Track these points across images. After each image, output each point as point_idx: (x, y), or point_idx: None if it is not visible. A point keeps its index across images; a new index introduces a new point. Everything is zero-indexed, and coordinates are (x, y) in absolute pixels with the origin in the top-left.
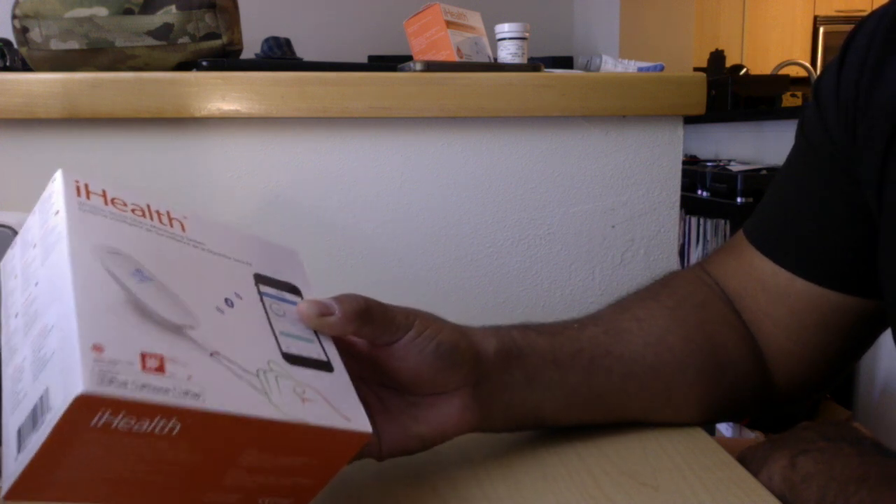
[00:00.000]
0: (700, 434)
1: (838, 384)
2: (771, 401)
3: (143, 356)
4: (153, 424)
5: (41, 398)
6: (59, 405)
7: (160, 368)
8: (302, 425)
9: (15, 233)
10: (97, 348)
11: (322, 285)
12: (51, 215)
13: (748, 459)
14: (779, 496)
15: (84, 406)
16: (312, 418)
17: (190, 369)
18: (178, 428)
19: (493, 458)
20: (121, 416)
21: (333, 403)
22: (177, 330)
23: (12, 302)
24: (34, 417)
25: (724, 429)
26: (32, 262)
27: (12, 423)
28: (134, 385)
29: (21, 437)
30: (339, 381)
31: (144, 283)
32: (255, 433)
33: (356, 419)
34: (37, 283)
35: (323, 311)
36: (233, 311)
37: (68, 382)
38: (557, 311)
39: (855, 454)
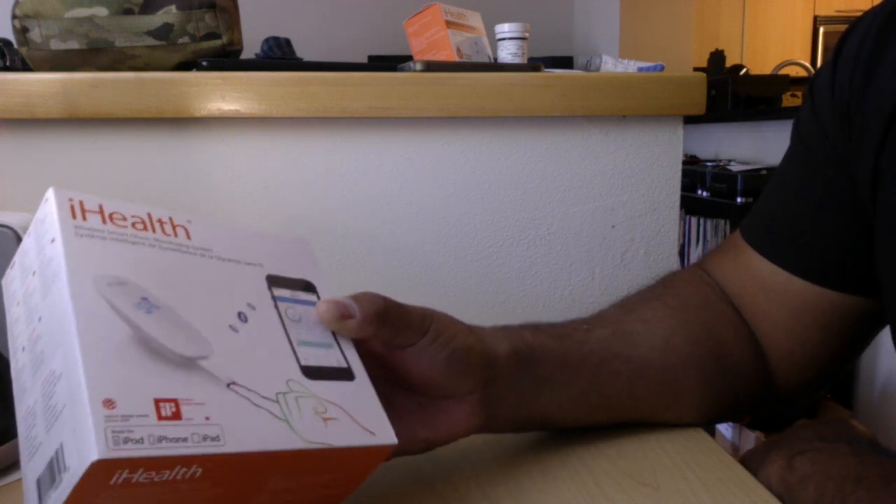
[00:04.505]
0: (700, 434)
1: (838, 384)
2: (772, 400)
3: (157, 403)
4: (174, 473)
5: (56, 453)
6: (75, 468)
7: (176, 414)
8: (326, 449)
9: (15, 233)
10: (108, 403)
11: (323, 286)
12: (47, 243)
13: (746, 460)
14: (776, 497)
15: (100, 470)
16: (336, 440)
17: (207, 409)
18: (199, 472)
19: (492, 459)
20: (140, 471)
21: (357, 417)
22: (190, 364)
23: (18, 332)
24: (52, 473)
25: (724, 429)
26: (33, 294)
27: (30, 471)
28: (150, 440)
29: (40, 489)
30: (361, 389)
31: (152, 314)
32: (279, 463)
33: (380, 431)
34: (40, 319)
35: (343, 313)
36: (247, 327)
37: (82, 446)
38: (557, 311)
39: (852, 454)
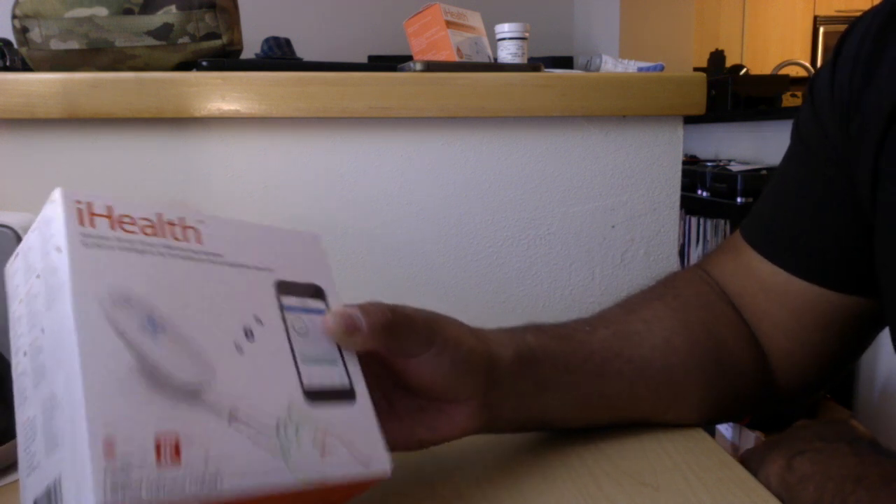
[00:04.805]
0: (700, 434)
1: (838, 384)
2: (772, 400)
3: (158, 441)
4: None
5: (55, 483)
6: None
7: (175, 453)
8: (320, 483)
9: (15, 233)
10: (108, 446)
11: (332, 286)
12: (52, 249)
13: (745, 461)
14: (776, 497)
15: None
16: (331, 473)
17: (207, 445)
18: None
19: (492, 459)
20: None
21: (354, 445)
22: (192, 395)
23: (20, 332)
24: (49, 501)
25: (724, 429)
26: (37, 297)
27: (28, 486)
28: (149, 485)
29: None
30: (361, 412)
31: (157, 336)
32: (273, 495)
33: (376, 459)
34: (43, 330)
35: (350, 326)
36: (252, 346)
37: (80, 491)
38: (557, 311)
39: (852, 454)
